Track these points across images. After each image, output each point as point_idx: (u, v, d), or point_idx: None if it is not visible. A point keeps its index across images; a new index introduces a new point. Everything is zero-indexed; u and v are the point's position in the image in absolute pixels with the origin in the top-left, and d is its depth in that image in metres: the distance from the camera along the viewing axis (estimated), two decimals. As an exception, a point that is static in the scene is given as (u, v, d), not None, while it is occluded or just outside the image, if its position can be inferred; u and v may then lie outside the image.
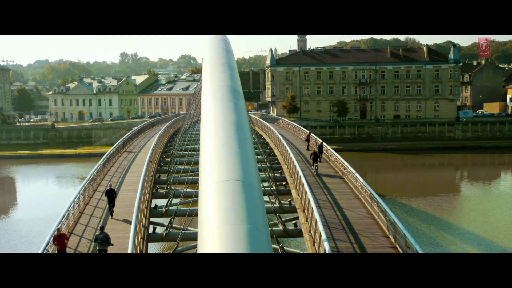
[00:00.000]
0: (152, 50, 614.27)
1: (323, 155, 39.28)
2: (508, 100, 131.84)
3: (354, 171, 29.84)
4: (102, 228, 21.80)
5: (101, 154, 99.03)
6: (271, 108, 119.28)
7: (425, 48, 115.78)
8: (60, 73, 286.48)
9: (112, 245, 20.72)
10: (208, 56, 26.02)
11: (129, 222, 23.12)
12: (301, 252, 27.25)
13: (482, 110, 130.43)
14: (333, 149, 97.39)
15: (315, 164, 35.41)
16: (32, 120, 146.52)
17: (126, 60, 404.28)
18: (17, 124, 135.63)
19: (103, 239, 20.56)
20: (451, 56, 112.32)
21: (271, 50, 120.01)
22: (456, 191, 71.24)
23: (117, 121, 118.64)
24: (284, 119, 65.24)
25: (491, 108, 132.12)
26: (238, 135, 14.75)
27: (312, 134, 44.72)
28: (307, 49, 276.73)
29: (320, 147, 39.00)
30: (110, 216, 26.24)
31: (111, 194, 27.01)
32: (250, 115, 72.94)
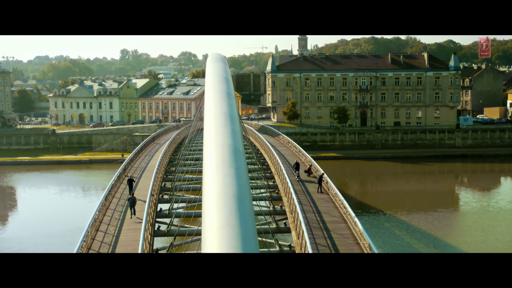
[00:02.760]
0: (153, 46, 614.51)
1: (323, 185, 39.48)
2: (508, 105, 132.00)
3: (353, 215, 29.97)
4: (133, 194, 35.66)
5: (101, 161, 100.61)
6: (272, 113, 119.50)
7: (425, 55, 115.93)
8: (60, 71, 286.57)
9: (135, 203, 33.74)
10: (212, 102, 26.21)
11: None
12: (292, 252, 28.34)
13: (482, 115, 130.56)
14: (333, 156, 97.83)
15: (297, 172, 44.54)
16: (32, 122, 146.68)
17: (127, 57, 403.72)
18: (17, 126, 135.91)
19: (133, 200, 33.81)
20: (451, 63, 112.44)
21: (272, 56, 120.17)
22: (455, 205, 71.38)
23: (118, 126, 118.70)
24: (285, 136, 65.30)
25: (492, 112, 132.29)
26: (240, 211, 15.02)
27: (314, 162, 44.90)
28: (308, 47, 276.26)
29: (320, 178, 39.23)
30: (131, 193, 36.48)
31: (130, 182, 39.34)
32: (249, 127, 73.20)
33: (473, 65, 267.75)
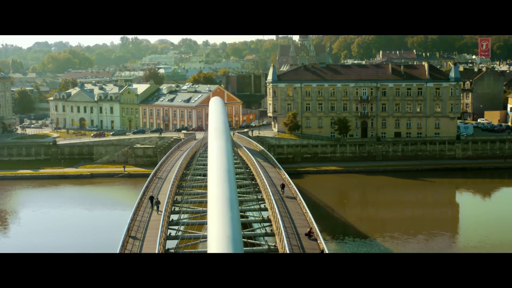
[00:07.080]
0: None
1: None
2: (508, 109, 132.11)
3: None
4: (157, 198, 52.28)
5: (103, 175, 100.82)
6: (273, 123, 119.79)
7: (426, 65, 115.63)
8: (60, 62, 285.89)
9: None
10: (215, 190, 27.48)
11: None
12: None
13: (483, 119, 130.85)
14: (334, 170, 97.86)
15: (282, 190, 58.08)
16: (32, 125, 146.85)
17: (127, 44, 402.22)
18: (18, 130, 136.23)
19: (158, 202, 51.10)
20: (451, 74, 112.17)
21: (273, 66, 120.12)
22: (455, 235, 71.53)
23: (119, 137, 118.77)
24: (286, 174, 65.46)
25: (492, 116, 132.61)
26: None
27: (314, 225, 45.33)
28: (309, 38, 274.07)
29: (322, 252, 39.83)
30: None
31: (152, 198, 52.62)
32: (249, 153, 73.20)
33: (474, 56, 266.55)
